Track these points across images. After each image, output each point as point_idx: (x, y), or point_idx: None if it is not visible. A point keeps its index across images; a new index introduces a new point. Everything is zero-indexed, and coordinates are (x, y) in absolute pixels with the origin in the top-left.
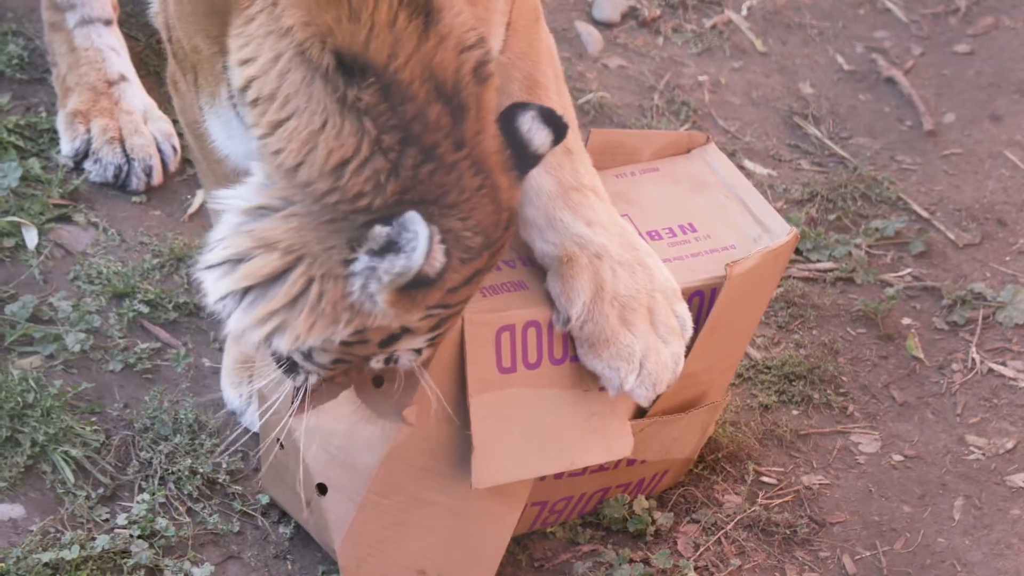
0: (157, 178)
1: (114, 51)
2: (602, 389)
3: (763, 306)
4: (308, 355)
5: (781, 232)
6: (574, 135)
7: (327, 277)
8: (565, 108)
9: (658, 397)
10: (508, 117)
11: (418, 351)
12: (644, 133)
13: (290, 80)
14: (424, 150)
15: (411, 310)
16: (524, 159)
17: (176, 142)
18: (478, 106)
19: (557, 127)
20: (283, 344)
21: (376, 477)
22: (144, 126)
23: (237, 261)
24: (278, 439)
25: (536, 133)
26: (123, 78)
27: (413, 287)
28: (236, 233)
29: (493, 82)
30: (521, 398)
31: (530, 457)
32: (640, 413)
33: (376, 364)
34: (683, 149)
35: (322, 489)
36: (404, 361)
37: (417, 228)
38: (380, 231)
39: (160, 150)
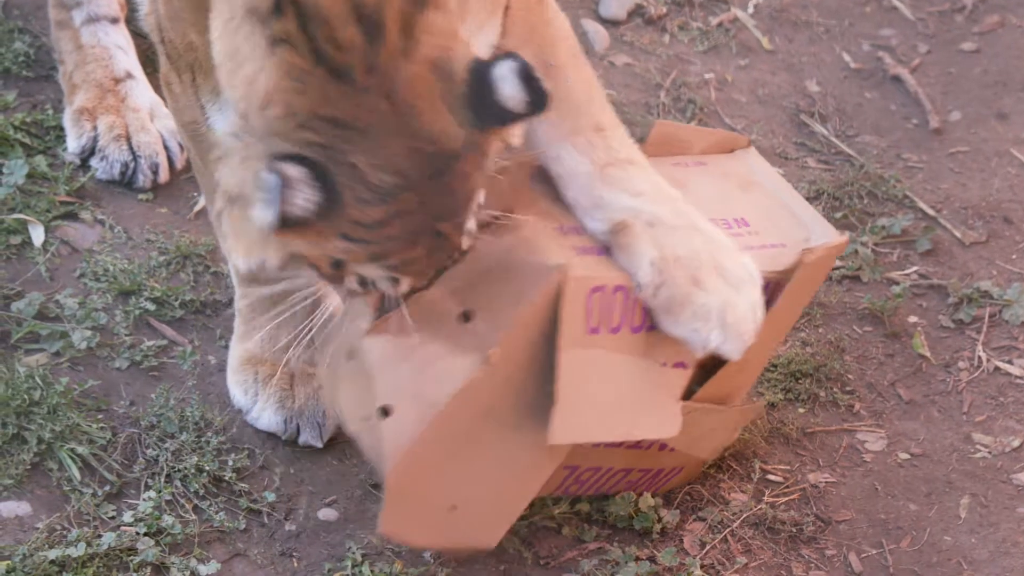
0: (164, 175)
1: (121, 49)
2: (677, 365)
3: (806, 304)
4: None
5: (830, 235)
6: (603, 110)
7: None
8: (588, 85)
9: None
10: (487, 63)
11: (393, 281)
12: (696, 129)
13: (240, 34)
14: (333, 71)
15: (305, 242)
16: (490, 109)
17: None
18: (403, 28)
19: (536, 94)
20: (243, 264)
21: (443, 411)
22: (151, 123)
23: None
24: (349, 352)
25: (507, 84)
26: (130, 75)
27: (290, 226)
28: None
29: (440, 10)
30: (602, 361)
31: (601, 420)
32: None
33: (351, 285)
34: (727, 148)
35: (384, 412)
36: (382, 286)
37: (273, 176)
38: (262, 174)
39: (167, 147)
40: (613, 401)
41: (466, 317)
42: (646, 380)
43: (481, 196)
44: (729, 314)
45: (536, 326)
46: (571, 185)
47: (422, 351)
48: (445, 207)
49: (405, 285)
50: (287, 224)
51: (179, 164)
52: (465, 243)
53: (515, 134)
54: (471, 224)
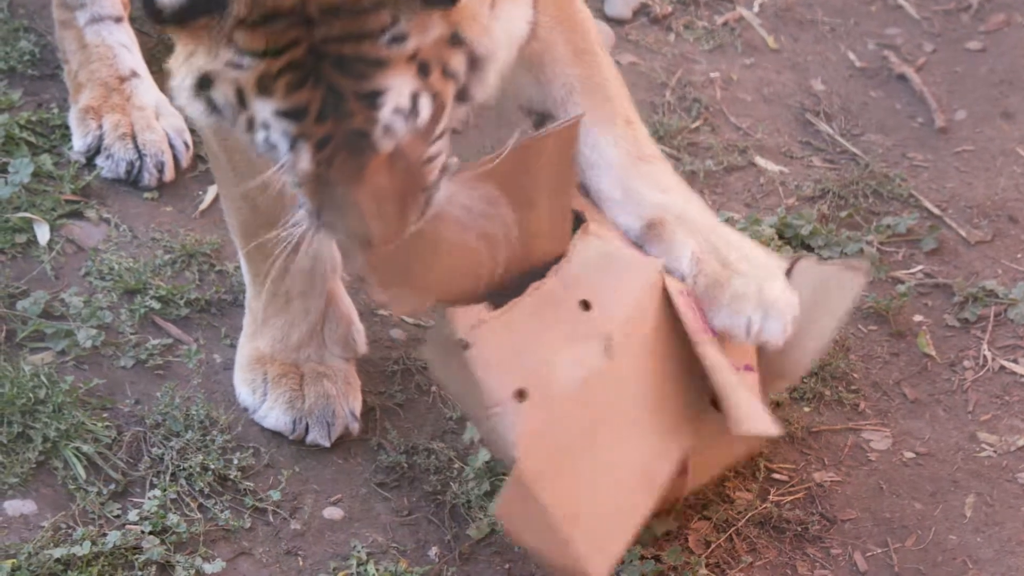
0: (169, 174)
1: (125, 48)
2: (746, 369)
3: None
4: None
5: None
6: (630, 104)
7: None
8: (617, 77)
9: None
10: None
11: (290, 142)
12: None
13: None
14: None
15: (204, 52)
16: None
17: (188, 138)
18: None
19: None
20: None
21: (574, 396)
22: (156, 122)
23: None
24: (463, 342)
25: None
26: (134, 74)
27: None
28: None
29: None
30: (718, 358)
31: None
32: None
33: (258, 142)
34: None
35: (521, 395)
36: (282, 149)
37: None
38: None
39: (172, 146)
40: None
41: (586, 305)
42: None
43: (408, 99)
44: (767, 294)
45: (649, 320)
46: (605, 176)
47: (543, 339)
48: (346, 63)
49: (304, 157)
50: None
51: (184, 163)
52: (378, 136)
53: (470, 25)
54: (390, 116)
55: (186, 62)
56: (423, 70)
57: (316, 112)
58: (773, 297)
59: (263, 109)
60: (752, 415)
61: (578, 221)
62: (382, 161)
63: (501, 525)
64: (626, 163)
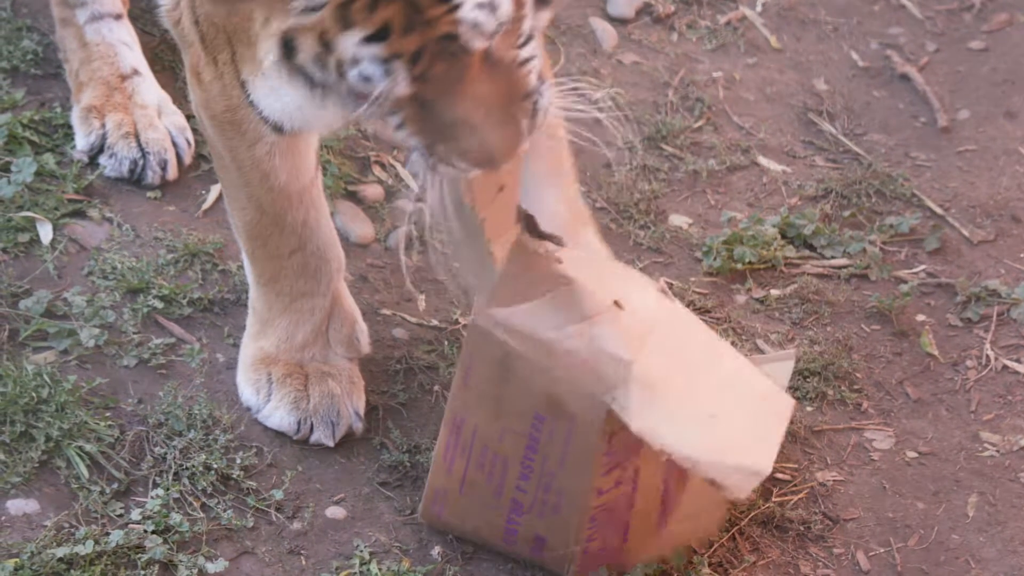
0: (172, 172)
1: (126, 45)
2: None
3: None
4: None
5: None
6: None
7: None
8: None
9: None
10: None
11: (385, 67)
12: None
13: None
14: None
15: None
16: None
17: (190, 135)
18: None
19: None
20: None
21: (658, 316)
22: (158, 120)
23: None
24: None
25: None
26: (136, 72)
27: None
28: None
29: None
30: None
31: None
32: None
33: (353, 82)
34: None
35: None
36: (377, 80)
37: None
38: None
39: (175, 143)
40: None
41: (618, 305)
42: None
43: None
44: None
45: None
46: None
47: (610, 277)
48: None
49: (401, 78)
50: None
51: (187, 160)
52: (467, 35)
53: None
54: (473, 13)
55: (265, 31)
56: None
57: (400, 27)
58: None
59: (349, 42)
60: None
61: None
62: (478, 67)
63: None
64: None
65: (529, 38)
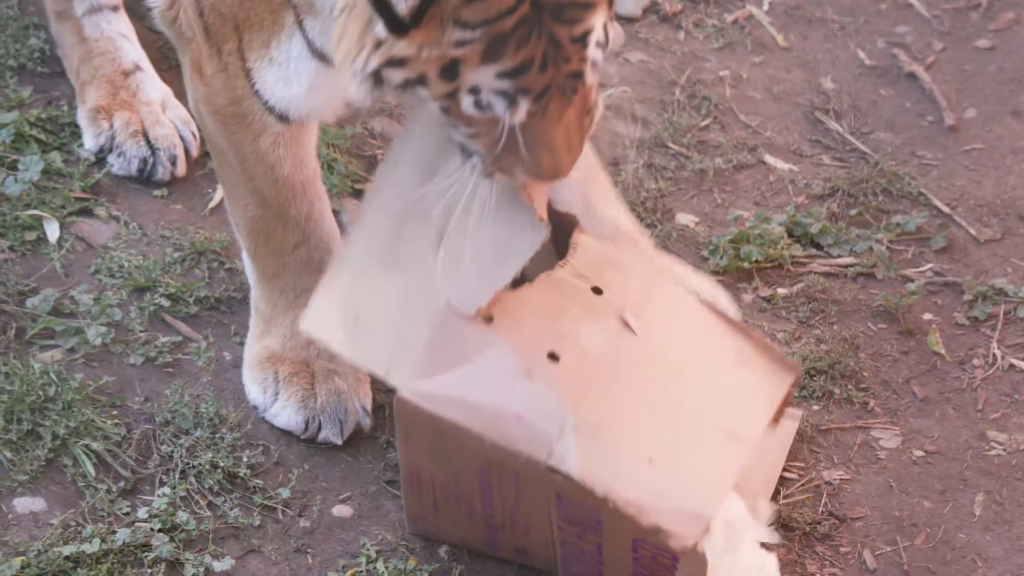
0: (181, 167)
1: (125, 38)
2: None
3: None
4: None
5: None
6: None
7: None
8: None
9: None
10: None
11: (509, 101)
12: None
13: None
14: None
15: (415, 44)
16: None
17: (194, 128)
18: None
19: None
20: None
21: (604, 362)
22: (164, 115)
23: None
24: (487, 316)
25: None
26: (138, 67)
27: (418, 23)
28: None
29: None
30: None
31: None
32: None
33: (467, 108)
34: None
35: (553, 357)
36: (498, 108)
37: None
38: None
39: (182, 138)
40: None
41: (597, 291)
42: None
43: (602, 31)
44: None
45: (661, 303)
46: (567, 191)
47: (561, 314)
48: (561, 10)
49: (522, 110)
50: (414, 15)
51: (194, 153)
52: (587, 72)
53: None
54: (594, 51)
55: (414, 63)
56: (610, 1)
57: (539, 64)
58: None
59: (483, 75)
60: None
61: (569, 225)
62: (579, 96)
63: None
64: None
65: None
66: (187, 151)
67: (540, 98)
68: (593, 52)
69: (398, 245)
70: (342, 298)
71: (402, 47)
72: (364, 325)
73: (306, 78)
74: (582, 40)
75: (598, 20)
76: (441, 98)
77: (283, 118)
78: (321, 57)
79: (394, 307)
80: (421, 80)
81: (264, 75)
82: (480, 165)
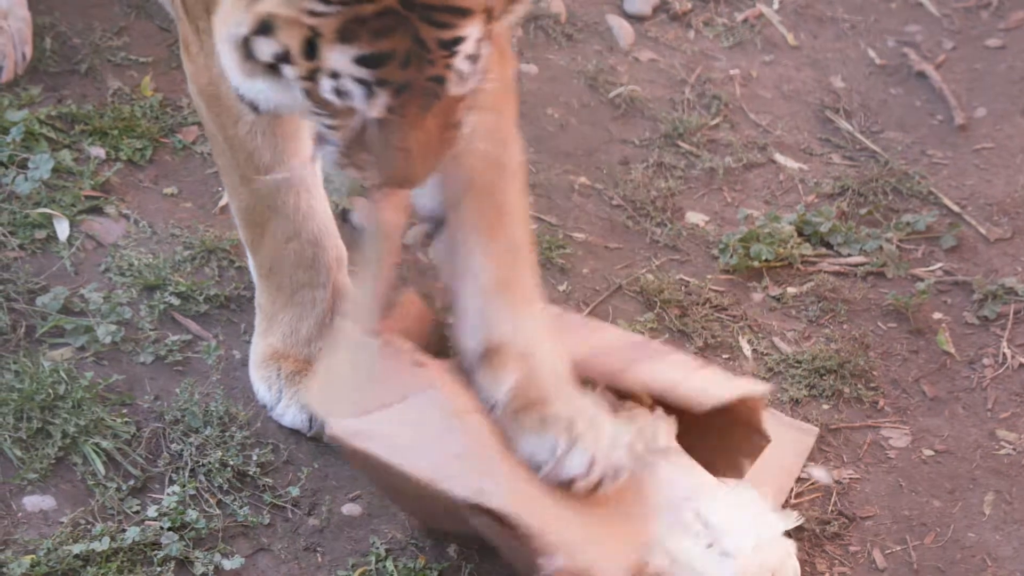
0: (5, 76)
1: None
2: None
3: None
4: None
5: None
6: (526, 234)
7: None
8: (522, 202)
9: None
10: None
11: (367, 90)
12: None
13: None
14: None
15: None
16: None
17: (28, 50)
18: None
19: None
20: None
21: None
22: (4, 22)
23: None
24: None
25: None
26: None
27: None
28: None
29: None
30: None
31: None
32: None
33: (326, 93)
34: None
35: None
36: (356, 98)
37: None
38: None
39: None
40: None
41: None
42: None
43: (475, 44)
44: (578, 426)
45: None
46: (470, 288)
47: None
48: (431, 11)
49: (380, 103)
50: None
51: (20, 71)
52: (451, 80)
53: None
54: (462, 62)
55: (248, 7)
56: (488, 15)
57: (401, 59)
58: (585, 430)
59: (339, 57)
60: None
61: None
62: (438, 107)
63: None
64: (490, 287)
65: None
66: (16, 64)
67: (399, 94)
68: (461, 62)
69: None
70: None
71: (267, 2)
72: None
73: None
74: (449, 46)
75: (471, 32)
76: (304, 79)
77: (254, 107)
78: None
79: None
80: (286, 56)
81: (225, 52)
82: (334, 156)
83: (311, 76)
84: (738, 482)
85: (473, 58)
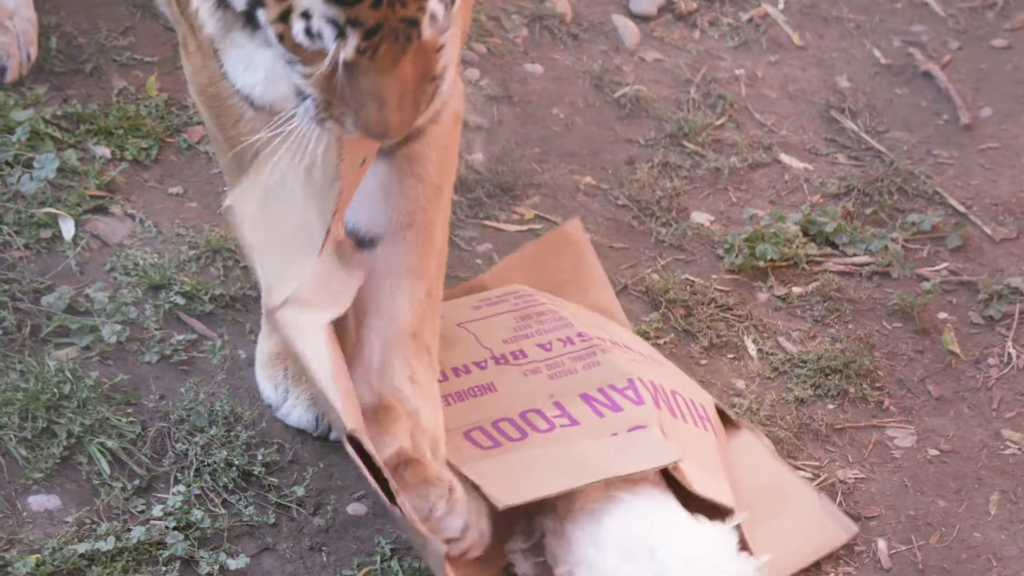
0: (10, 76)
1: None
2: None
3: None
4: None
5: None
6: (440, 282)
7: None
8: (442, 244)
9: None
10: None
11: (338, 32)
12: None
13: None
14: None
15: None
16: None
17: (33, 51)
18: None
19: None
20: None
21: None
22: (9, 22)
23: None
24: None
25: None
26: None
27: None
28: None
29: None
30: (514, 457)
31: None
32: None
33: (298, 36)
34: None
35: None
36: (327, 38)
37: None
38: None
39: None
40: (561, 461)
41: None
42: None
43: None
44: (458, 492)
45: None
46: (379, 333)
47: None
48: None
49: (351, 45)
50: None
51: (25, 72)
52: (424, 24)
53: None
54: (435, 4)
55: None
56: None
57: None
58: (461, 496)
59: (315, 2)
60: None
61: None
62: (413, 50)
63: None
64: (402, 333)
65: (451, 24)
66: (21, 64)
67: (370, 36)
68: (434, 4)
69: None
70: (258, 199)
71: None
72: (270, 234)
73: (263, 64)
74: None
75: None
76: (276, 22)
77: (251, 103)
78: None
79: (287, 230)
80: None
81: (229, 56)
82: (312, 109)
83: (283, 17)
84: (722, 523)
85: (449, 2)
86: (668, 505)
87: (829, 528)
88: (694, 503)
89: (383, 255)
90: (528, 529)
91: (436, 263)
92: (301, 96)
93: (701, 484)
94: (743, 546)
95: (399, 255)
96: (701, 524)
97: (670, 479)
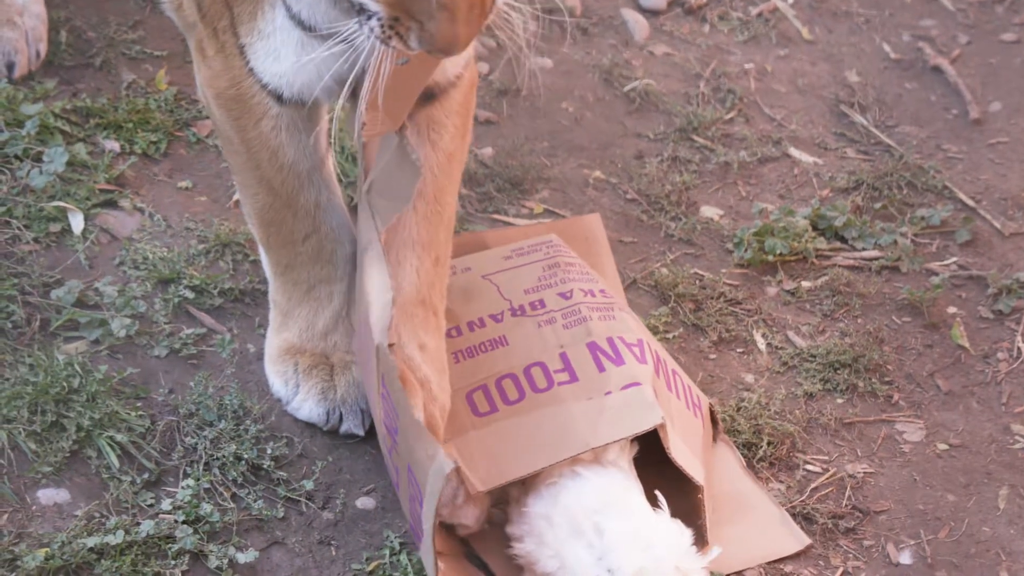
0: (18, 71)
1: None
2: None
3: None
4: None
5: None
6: (448, 250)
7: None
8: (451, 216)
9: None
10: None
11: None
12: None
13: None
14: None
15: None
16: None
17: (43, 47)
18: None
19: None
20: None
21: None
22: (18, 18)
23: None
24: None
25: None
26: None
27: None
28: None
29: None
30: (502, 426)
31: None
32: None
33: None
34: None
35: None
36: None
37: None
38: None
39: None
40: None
41: None
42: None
43: None
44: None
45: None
46: (379, 302)
47: None
48: None
49: None
50: None
51: (34, 67)
52: None
53: None
54: None
55: None
56: None
57: None
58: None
59: None
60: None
61: None
62: None
63: None
64: (410, 302)
65: None
66: (30, 60)
67: None
68: None
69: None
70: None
71: None
72: None
73: (292, 50)
74: None
75: None
76: None
77: (279, 98)
78: (303, 25)
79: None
80: None
81: (256, 50)
82: (377, 28)
83: None
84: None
85: None
86: (629, 487)
87: (783, 539)
88: (665, 488)
89: (390, 230)
90: (501, 496)
91: (445, 232)
92: (366, 15)
93: (677, 451)
94: (703, 542)
95: (407, 224)
96: (658, 513)
97: (650, 447)
